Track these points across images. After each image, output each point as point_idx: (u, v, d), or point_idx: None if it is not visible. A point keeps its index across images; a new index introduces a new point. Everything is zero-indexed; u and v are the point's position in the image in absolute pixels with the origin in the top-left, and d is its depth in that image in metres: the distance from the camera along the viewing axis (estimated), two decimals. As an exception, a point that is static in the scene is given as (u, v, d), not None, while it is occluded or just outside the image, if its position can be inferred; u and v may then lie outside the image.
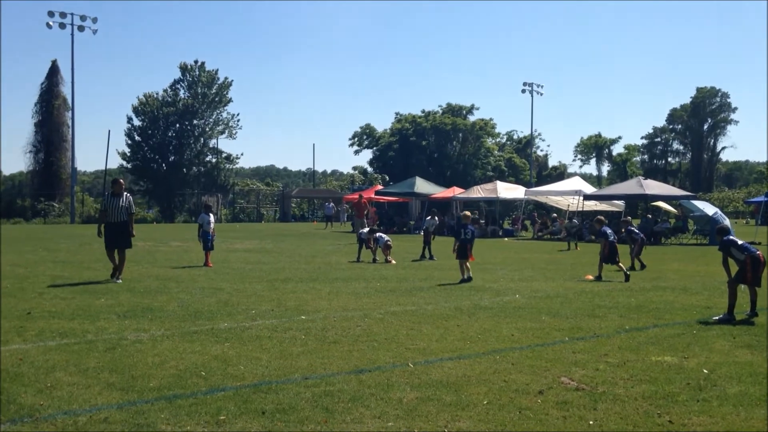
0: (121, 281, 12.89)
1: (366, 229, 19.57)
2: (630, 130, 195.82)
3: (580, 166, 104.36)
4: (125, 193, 13.53)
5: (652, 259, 20.06)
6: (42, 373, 6.08)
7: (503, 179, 56.71)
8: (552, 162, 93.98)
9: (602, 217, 16.89)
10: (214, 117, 63.10)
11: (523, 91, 68.65)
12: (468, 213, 15.03)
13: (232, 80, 63.51)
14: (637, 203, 41.89)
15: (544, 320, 9.23)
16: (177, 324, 8.63)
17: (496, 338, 7.97)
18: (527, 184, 57.05)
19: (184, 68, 61.90)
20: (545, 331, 8.47)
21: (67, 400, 5.27)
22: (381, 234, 18.72)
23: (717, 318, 9.32)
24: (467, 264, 13.87)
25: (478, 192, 39.08)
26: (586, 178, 58.72)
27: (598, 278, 14.49)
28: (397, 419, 4.94)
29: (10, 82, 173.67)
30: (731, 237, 10.17)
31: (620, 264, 14.91)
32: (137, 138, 60.35)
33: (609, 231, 15.31)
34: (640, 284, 13.62)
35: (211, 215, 17.05)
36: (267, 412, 5.04)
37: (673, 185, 58.64)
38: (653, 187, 33.35)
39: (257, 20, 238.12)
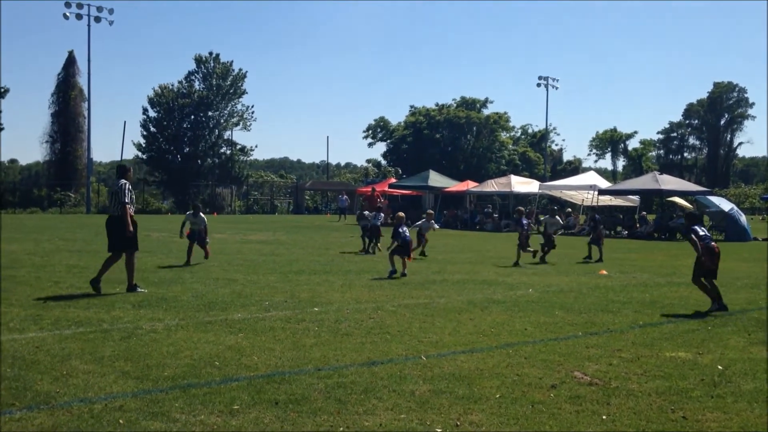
0: (144, 290, 10.56)
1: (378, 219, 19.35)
2: (646, 125, 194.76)
3: (595, 161, 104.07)
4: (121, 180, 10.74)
5: (667, 255, 19.96)
6: (58, 361, 6.15)
7: (517, 173, 56.50)
8: (567, 156, 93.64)
9: (522, 208, 18.94)
10: (228, 109, 63.33)
11: (539, 85, 68.34)
12: (402, 214, 14.40)
13: (247, 72, 63.68)
14: (653, 198, 41.66)
15: (557, 315, 9.21)
16: (191, 314, 8.68)
17: (509, 332, 7.96)
18: (541, 179, 56.75)
19: (199, 60, 62.11)
20: (558, 325, 8.45)
21: (83, 388, 5.33)
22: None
23: (709, 310, 9.54)
24: (405, 260, 13.43)
25: (492, 186, 38.98)
26: (601, 172, 58.29)
27: (516, 264, 16.07)
28: (410, 411, 4.95)
29: (28, 72, 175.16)
30: (698, 227, 10.24)
31: (530, 249, 16.75)
32: (152, 129, 60.69)
33: (525, 221, 17.12)
34: (654, 279, 13.55)
35: (202, 215, 15.39)
36: (280, 403, 5.06)
37: (689, 181, 58.14)
38: (669, 182, 33.12)
39: (272, 12, 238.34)
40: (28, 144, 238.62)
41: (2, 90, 49.53)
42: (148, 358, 6.32)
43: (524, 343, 7.32)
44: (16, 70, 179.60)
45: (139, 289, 10.45)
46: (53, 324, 7.82)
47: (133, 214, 10.68)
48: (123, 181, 10.64)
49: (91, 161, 55.90)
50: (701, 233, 10.07)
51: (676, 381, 5.89)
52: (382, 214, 20.15)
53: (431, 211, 20.41)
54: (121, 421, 4.62)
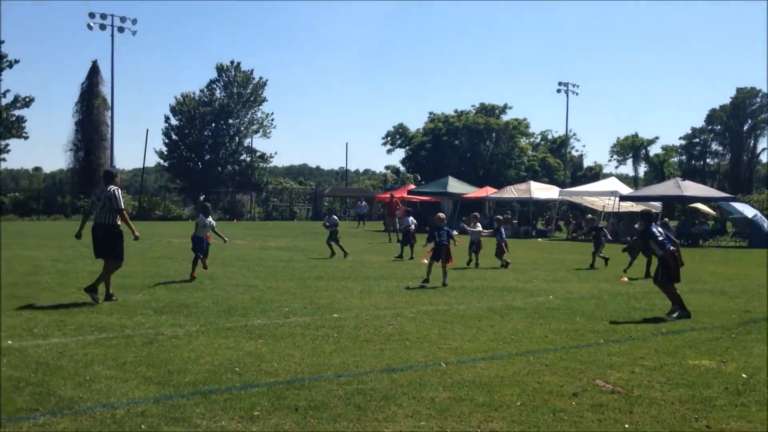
0: (99, 302, 9.88)
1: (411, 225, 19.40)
2: (668, 131, 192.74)
3: (616, 167, 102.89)
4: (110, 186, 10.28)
5: (689, 261, 19.71)
6: (81, 366, 6.21)
7: (537, 179, 56.22)
8: (587, 162, 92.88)
9: (500, 216, 19.28)
10: (249, 116, 63.78)
11: (559, 90, 68.02)
12: (442, 215, 14.22)
13: (267, 80, 64.11)
14: (675, 205, 41.20)
15: (578, 322, 9.14)
16: (212, 320, 8.74)
17: (529, 339, 7.91)
18: (561, 185, 56.44)
19: (220, 68, 62.67)
20: (580, 332, 8.39)
21: (106, 394, 5.38)
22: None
23: (675, 316, 9.53)
24: (446, 268, 12.99)
25: (512, 192, 38.81)
26: (622, 178, 57.85)
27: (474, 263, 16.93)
28: (430, 419, 4.94)
29: (52, 81, 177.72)
30: (654, 229, 10.14)
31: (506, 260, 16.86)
32: (174, 137, 61.29)
33: (503, 229, 17.60)
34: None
35: (210, 217, 13.82)
36: (300, 409, 5.07)
37: (712, 187, 57.52)
38: (691, 188, 32.77)
39: (291, 20, 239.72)
40: (52, 152, 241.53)
41: (27, 99, 50.25)
42: (169, 363, 6.37)
43: (545, 351, 7.27)
44: (41, 80, 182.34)
45: (94, 295, 9.83)
46: (76, 330, 7.91)
47: (119, 223, 10.22)
48: (113, 187, 10.22)
49: (114, 169, 56.48)
50: (660, 238, 10.04)
51: (700, 389, 5.82)
52: (412, 218, 20.24)
53: (410, 209, 20.87)
54: (143, 426, 4.65)
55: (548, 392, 5.64)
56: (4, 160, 51.33)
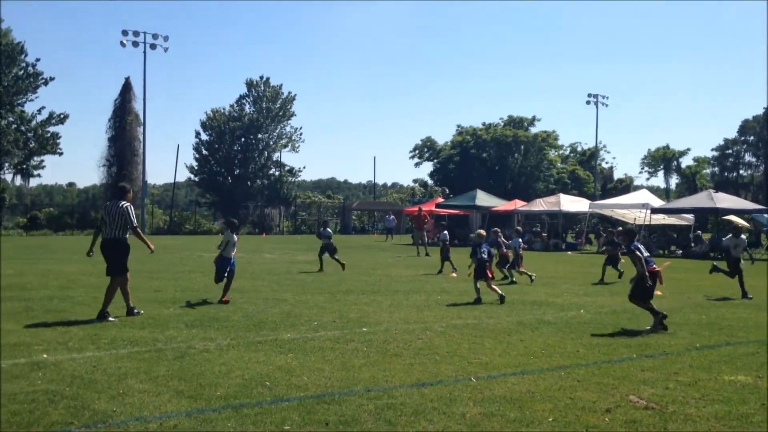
0: (114, 320, 9.70)
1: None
2: (700, 142, 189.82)
3: (647, 179, 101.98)
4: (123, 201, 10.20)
5: (723, 275, 19.37)
6: (114, 380, 6.29)
7: (566, 192, 55.79)
8: (617, 174, 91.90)
9: (497, 229, 18.29)
10: (277, 131, 64.42)
11: (588, 102, 67.58)
12: (482, 231, 13.94)
13: (296, 95, 64.73)
14: (708, 217, 40.57)
15: (610, 336, 9.01)
16: (242, 334, 8.79)
17: (560, 354, 7.82)
18: (591, 197, 55.95)
19: (250, 84, 63.48)
20: (612, 347, 8.27)
21: (138, 407, 5.44)
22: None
23: (649, 328, 9.49)
24: (492, 285, 12.70)
25: (541, 205, 38.57)
26: (653, 191, 57.16)
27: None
28: (461, 434, 4.90)
29: (86, 98, 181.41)
30: (638, 244, 10.10)
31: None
32: (204, 152, 62.13)
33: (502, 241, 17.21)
34: (711, 300, 13.16)
35: (236, 235, 12.59)
36: (330, 424, 5.08)
37: (745, 198, 56.49)
38: (724, 200, 32.23)
39: (319, 34, 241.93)
40: (86, 168, 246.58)
41: (62, 116, 51.38)
42: (201, 377, 6.42)
43: (577, 366, 7.19)
44: (75, 97, 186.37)
45: (109, 318, 9.68)
46: (110, 343, 8.02)
47: (127, 236, 10.10)
48: (125, 203, 10.09)
49: (146, 184, 57.42)
50: (645, 254, 10.05)
51: (736, 405, 5.70)
52: (445, 232, 20.32)
53: (482, 232, 20.42)
54: (175, 440, 4.69)
55: (580, 408, 5.57)
56: (39, 175, 52.40)
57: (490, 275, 12.78)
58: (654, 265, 10.08)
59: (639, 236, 10.66)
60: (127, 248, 10.15)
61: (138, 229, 10.16)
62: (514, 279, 16.71)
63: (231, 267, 12.07)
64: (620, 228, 18.07)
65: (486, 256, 12.80)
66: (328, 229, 20.15)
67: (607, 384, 6.38)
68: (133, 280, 15.47)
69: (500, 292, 12.41)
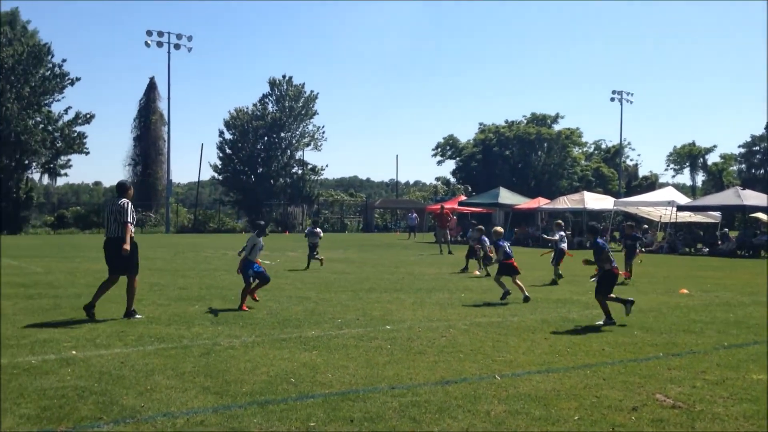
0: (141, 317, 9.84)
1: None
2: (726, 139, 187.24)
3: (673, 176, 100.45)
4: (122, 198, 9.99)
5: (750, 273, 19.14)
6: (142, 376, 6.37)
7: (590, 189, 55.34)
8: (642, 172, 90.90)
9: (482, 227, 17.71)
10: (300, 129, 64.63)
11: (612, 99, 66.98)
12: (500, 228, 13.69)
13: (318, 93, 64.91)
14: (735, 214, 40.01)
15: (636, 335, 8.94)
16: (267, 331, 8.86)
17: (585, 352, 7.77)
18: (616, 195, 55.44)
19: (273, 83, 63.76)
20: (638, 346, 8.20)
21: (166, 403, 5.50)
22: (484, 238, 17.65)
23: (601, 323, 9.60)
24: (517, 281, 12.52)
25: (565, 203, 38.30)
26: (679, 188, 56.46)
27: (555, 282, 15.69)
28: (485, 432, 4.90)
29: (112, 98, 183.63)
30: (601, 242, 10.12)
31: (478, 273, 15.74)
32: (228, 151, 62.54)
33: (486, 239, 16.30)
34: (738, 299, 12.99)
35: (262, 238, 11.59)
36: (355, 420, 5.10)
37: (774, 195, 55.53)
38: (752, 197, 31.73)
39: (341, 33, 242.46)
40: (111, 167, 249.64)
41: (88, 116, 52.05)
42: (226, 373, 6.48)
43: (602, 364, 7.14)
44: (101, 97, 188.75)
45: (137, 316, 9.76)
46: (137, 340, 8.12)
47: (133, 234, 9.99)
48: (124, 200, 9.91)
49: (171, 183, 57.98)
50: (610, 252, 10.07)
51: (764, 404, 5.62)
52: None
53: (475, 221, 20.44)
54: (202, 435, 4.74)
55: (607, 407, 5.53)
56: (66, 175, 53.16)
57: (518, 271, 12.72)
58: (615, 265, 10.14)
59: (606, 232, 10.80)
60: (133, 247, 9.95)
61: (128, 225, 9.76)
62: (555, 279, 15.96)
63: (256, 271, 11.13)
64: (630, 223, 17.84)
65: (510, 253, 12.77)
66: (318, 229, 19.65)
67: (633, 382, 6.33)
68: (159, 278, 15.70)
69: (525, 292, 12.24)
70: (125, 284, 9.95)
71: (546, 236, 17.37)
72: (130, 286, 9.92)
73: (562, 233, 16.98)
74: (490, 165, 71.20)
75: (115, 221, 9.81)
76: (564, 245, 16.55)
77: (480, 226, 18.64)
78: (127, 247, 9.71)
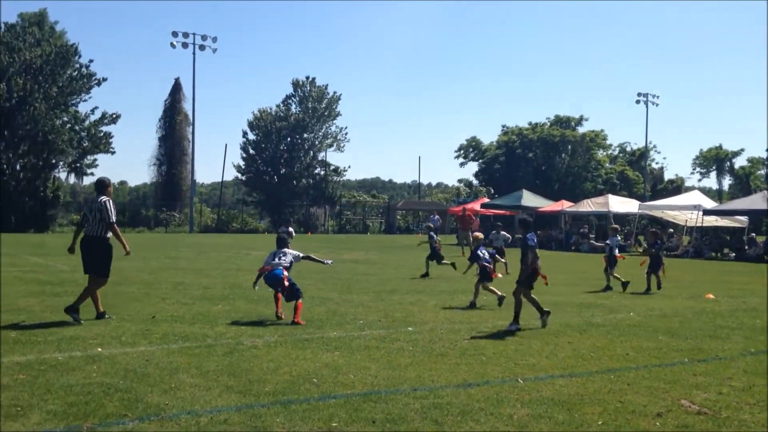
0: (81, 322, 9.12)
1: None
2: (754, 142, 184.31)
3: (699, 180, 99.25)
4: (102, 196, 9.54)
5: (779, 279, 18.81)
6: (166, 374, 6.43)
7: (615, 193, 54.85)
8: (668, 175, 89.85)
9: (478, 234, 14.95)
10: (323, 130, 64.93)
11: (638, 101, 66.39)
12: (479, 234, 13.18)
13: (341, 94, 65.11)
14: (762, 219, 39.41)
15: (661, 340, 8.85)
16: (289, 331, 8.90)
17: (609, 357, 7.71)
18: (641, 198, 54.88)
19: (296, 84, 64.14)
20: (663, 351, 8.11)
21: (190, 401, 5.55)
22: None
23: (507, 329, 9.26)
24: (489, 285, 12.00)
25: (588, 206, 38.01)
26: (705, 192, 55.72)
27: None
28: (508, 435, 4.87)
29: (137, 98, 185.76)
30: (531, 237, 9.74)
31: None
32: (251, 151, 63.01)
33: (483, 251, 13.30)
34: (765, 305, 12.79)
35: (292, 251, 10.49)
36: (377, 422, 5.10)
37: (803, 200, 54.56)
38: (780, 201, 31.23)
39: (365, 34, 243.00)
40: (137, 166, 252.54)
41: (114, 116, 52.71)
42: (249, 373, 6.52)
43: (626, 369, 7.07)
44: (127, 97, 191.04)
45: (75, 316, 9.16)
46: (161, 338, 8.20)
47: (109, 236, 9.47)
48: (104, 198, 9.45)
49: (195, 183, 58.55)
50: (531, 243, 9.68)
51: (794, 413, 5.53)
52: (504, 233, 20.03)
53: (500, 224, 20.09)
54: (225, 434, 4.78)
55: (631, 412, 5.48)
56: (92, 174, 53.84)
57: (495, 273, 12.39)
58: (539, 264, 9.80)
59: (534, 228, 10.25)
60: (108, 249, 9.51)
61: (115, 226, 9.41)
62: (610, 284, 15.24)
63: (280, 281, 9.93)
64: (653, 229, 17.19)
65: (488, 259, 12.28)
66: (290, 229, 18.93)
67: (658, 388, 6.27)
68: (183, 277, 15.84)
69: (500, 297, 11.63)
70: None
71: (595, 243, 16.53)
72: (91, 286, 9.46)
73: (617, 238, 16.12)
74: (513, 167, 70.86)
75: (93, 220, 9.37)
76: (617, 251, 15.72)
77: (477, 234, 18.45)
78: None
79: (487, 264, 12.07)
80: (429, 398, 5.75)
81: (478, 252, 12.29)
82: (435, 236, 18.01)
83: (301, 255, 10.59)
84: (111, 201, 9.53)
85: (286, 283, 9.88)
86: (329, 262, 11.52)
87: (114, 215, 9.43)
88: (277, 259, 10.16)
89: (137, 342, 7.96)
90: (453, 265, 17.02)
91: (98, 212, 9.35)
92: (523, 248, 9.74)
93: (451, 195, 74.50)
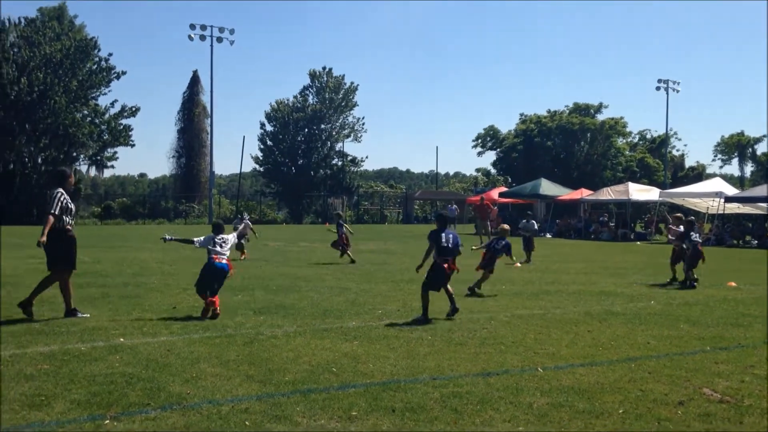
0: (86, 315, 9.00)
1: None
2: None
3: (720, 167, 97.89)
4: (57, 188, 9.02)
5: (803, 266, 18.57)
6: (188, 363, 6.49)
7: (635, 180, 54.30)
8: (689, 162, 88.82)
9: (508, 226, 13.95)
10: (340, 121, 64.90)
11: (658, 88, 65.58)
12: (507, 226, 13.06)
13: (358, 85, 65.00)
14: (786, 206, 38.82)
15: (682, 328, 8.77)
16: (308, 321, 8.94)
17: (630, 345, 7.66)
18: (661, 186, 54.31)
19: (313, 75, 64.11)
20: (684, 339, 8.05)
21: (211, 390, 5.60)
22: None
23: (414, 319, 9.11)
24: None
25: (608, 194, 37.68)
26: (726, 179, 54.99)
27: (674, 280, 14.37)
28: (528, 424, 4.86)
29: (156, 92, 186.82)
30: (441, 233, 9.50)
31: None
32: (269, 143, 63.17)
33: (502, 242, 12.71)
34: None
35: (231, 236, 10.10)
36: (397, 411, 5.12)
37: (828, 186, 53.69)
38: (803, 188, 30.79)
39: (381, 24, 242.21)
40: (156, 159, 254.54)
41: (134, 109, 53.07)
42: (269, 362, 6.57)
43: (647, 358, 7.02)
44: (146, 90, 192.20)
45: (79, 314, 8.94)
46: (182, 329, 8.27)
47: (71, 227, 9.02)
48: (58, 189, 8.90)
49: (213, 174, 58.86)
50: (444, 244, 9.47)
51: (819, 402, 5.46)
52: (534, 221, 20.03)
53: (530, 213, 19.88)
54: (247, 423, 4.82)
55: (652, 400, 5.44)
56: (112, 167, 54.33)
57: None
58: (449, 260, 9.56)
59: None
60: (70, 240, 9.00)
61: (50, 218, 8.69)
62: (694, 282, 13.66)
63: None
64: (678, 214, 16.48)
65: (500, 248, 12.27)
66: (247, 221, 18.95)
67: (680, 376, 6.22)
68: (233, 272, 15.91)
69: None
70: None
71: (672, 235, 15.15)
72: (52, 278, 8.97)
73: (695, 234, 14.51)
74: (532, 156, 70.33)
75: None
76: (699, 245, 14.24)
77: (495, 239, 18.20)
78: (44, 239, 8.59)
79: (497, 252, 12.23)
80: (448, 387, 5.75)
81: (495, 245, 12.39)
82: (344, 226, 18.34)
83: (235, 240, 10.42)
84: (63, 193, 8.89)
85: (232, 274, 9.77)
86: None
87: (57, 208, 8.72)
88: (218, 247, 9.61)
89: (158, 332, 8.03)
90: (352, 261, 17.74)
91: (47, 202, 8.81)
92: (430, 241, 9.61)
93: (468, 184, 74.26)
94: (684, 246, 14.16)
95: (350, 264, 17.34)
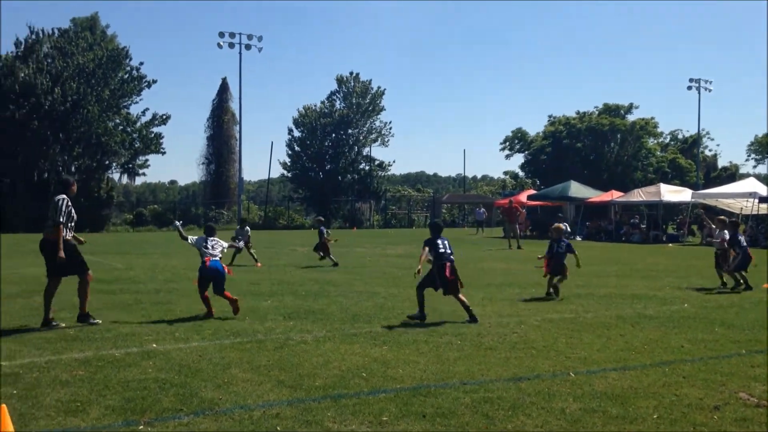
0: (98, 321, 9.01)
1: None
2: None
3: (754, 167, 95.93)
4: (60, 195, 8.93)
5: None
6: (219, 369, 6.55)
7: (666, 181, 53.51)
8: (722, 162, 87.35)
9: (562, 225, 13.51)
10: (367, 126, 64.99)
11: (689, 87, 64.59)
12: (561, 226, 12.78)
13: (385, 89, 65.07)
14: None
15: (717, 331, 8.62)
16: (338, 326, 8.96)
17: (663, 349, 7.54)
18: (694, 186, 53.45)
19: (340, 80, 64.35)
20: (719, 343, 7.91)
21: (242, 396, 5.65)
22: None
23: (410, 315, 9.49)
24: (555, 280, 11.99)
25: (639, 195, 37.16)
26: (761, 179, 53.91)
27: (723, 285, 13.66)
28: (561, 430, 4.82)
29: (186, 99, 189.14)
30: (437, 239, 9.78)
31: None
32: (297, 148, 63.51)
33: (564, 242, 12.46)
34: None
35: (215, 241, 10.23)
36: (427, 416, 5.10)
37: None
38: (841, 187, 30.04)
39: (407, 28, 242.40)
40: (186, 166, 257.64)
41: (164, 117, 53.77)
42: (300, 367, 6.60)
43: (682, 362, 6.91)
44: (176, 98, 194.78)
45: (91, 320, 8.94)
46: (213, 334, 8.35)
47: (72, 236, 8.97)
48: (62, 196, 8.82)
49: (242, 181, 59.31)
50: (441, 251, 9.68)
51: None
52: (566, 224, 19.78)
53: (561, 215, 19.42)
54: (278, 428, 4.85)
55: (687, 405, 5.36)
56: (144, 174, 55.08)
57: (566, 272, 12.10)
58: (448, 262, 9.71)
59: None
60: (74, 249, 8.97)
61: (60, 227, 8.65)
62: (742, 285, 13.37)
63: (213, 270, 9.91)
64: (722, 217, 15.70)
65: (563, 251, 12.12)
66: (246, 228, 18.99)
67: (715, 381, 6.11)
68: (234, 274, 16.03)
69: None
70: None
71: (717, 238, 14.14)
72: (82, 288, 8.96)
73: (741, 237, 13.95)
74: (561, 158, 69.68)
75: (49, 219, 8.81)
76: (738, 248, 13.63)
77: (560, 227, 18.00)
78: (62, 253, 8.56)
79: (561, 256, 12.05)
80: (479, 392, 5.72)
81: (558, 249, 12.15)
82: (325, 231, 18.65)
83: (226, 245, 10.54)
84: (67, 200, 8.85)
85: (230, 273, 10.15)
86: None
87: (63, 216, 8.69)
88: (211, 249, 9.91)
89: (190, 338, 8.12)
90: (335, 263, 17.75)
91: (52, 211, 8.76)
92: (426, 245, 9.89)
93: (496, 187, 73.88)
94: (735, 251, 13.56)
95: (333, 267, 17.54)
